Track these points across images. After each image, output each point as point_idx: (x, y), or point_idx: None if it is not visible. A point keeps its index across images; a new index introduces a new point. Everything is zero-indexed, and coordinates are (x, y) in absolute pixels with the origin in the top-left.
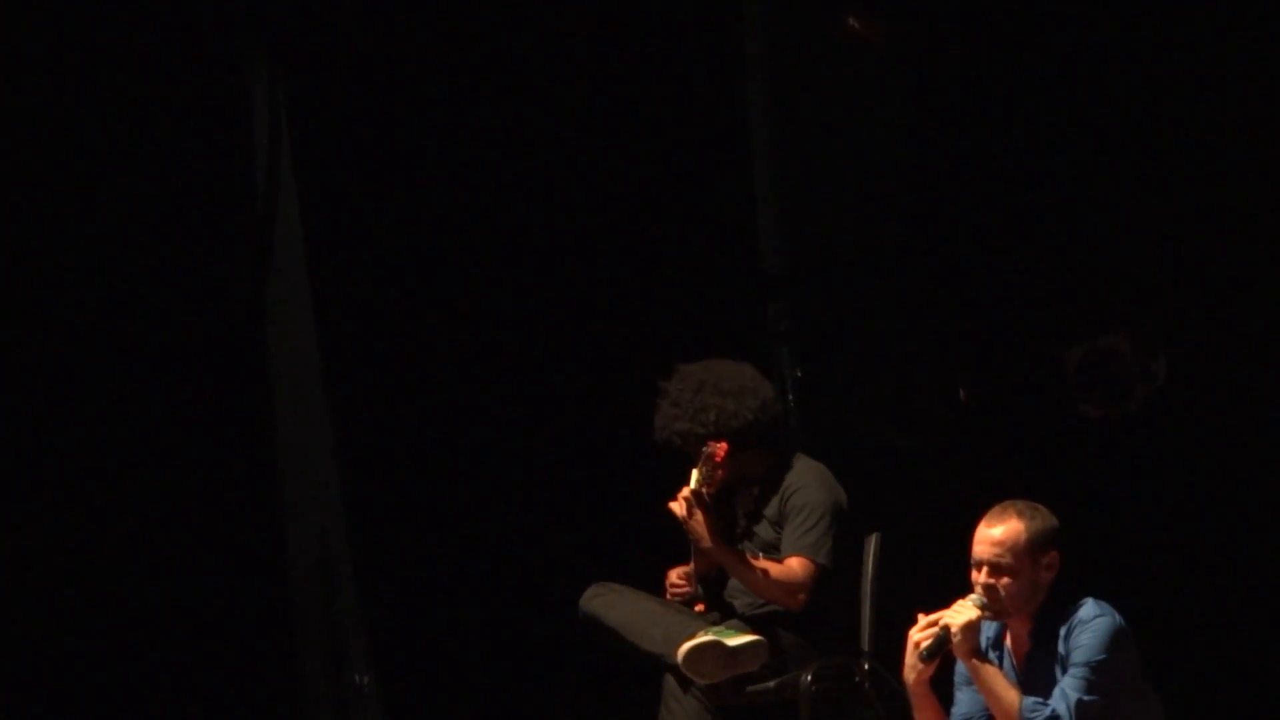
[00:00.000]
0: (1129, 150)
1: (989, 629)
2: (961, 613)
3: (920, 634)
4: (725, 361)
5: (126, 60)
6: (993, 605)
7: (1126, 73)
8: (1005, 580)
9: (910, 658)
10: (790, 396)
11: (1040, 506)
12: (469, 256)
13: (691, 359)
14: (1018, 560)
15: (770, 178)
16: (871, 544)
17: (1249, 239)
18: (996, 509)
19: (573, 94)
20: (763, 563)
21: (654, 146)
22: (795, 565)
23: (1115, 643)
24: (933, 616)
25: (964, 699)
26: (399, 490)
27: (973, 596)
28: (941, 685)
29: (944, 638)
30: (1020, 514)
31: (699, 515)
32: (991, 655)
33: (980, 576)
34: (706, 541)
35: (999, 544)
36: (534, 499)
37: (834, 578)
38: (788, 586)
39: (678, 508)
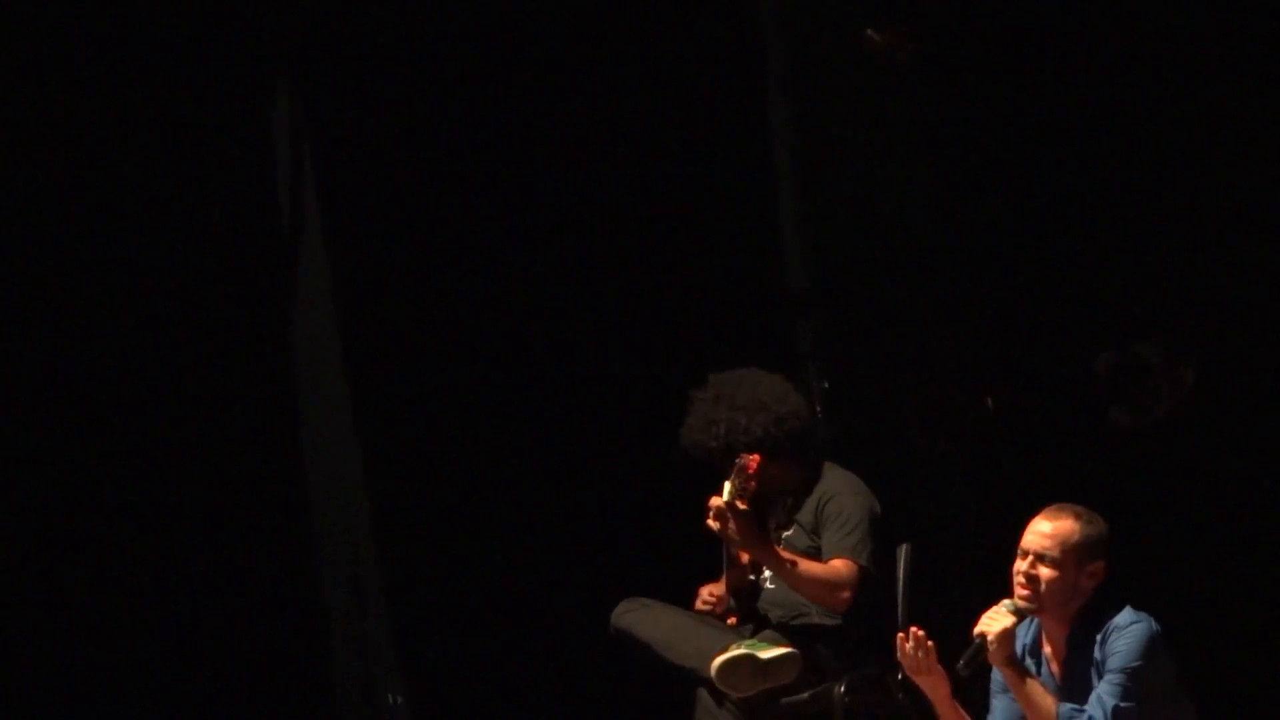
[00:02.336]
0: (1158, 158)
1: (1025, 635)
2: (997, 620)
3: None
4: (755, 373)
5: (147, 75)
6: (1028, 599)
7: (1156, 79)
8: (1046, 573)
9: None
10: (818, 409)
11: (1098, 516)
12: (497, 275)
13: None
14: (1063, 557)
15: (794, 192)
16: (902, 554)
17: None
18: (1054, 506)
19: (596, 111)
20: (807, 562)
21: (677, 164)
22: (839, 565)
23: (1151, 649)
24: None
25: (1000, 707)
26: (428, 510)
27: (1006, 603)
28: (973, 695)
29: (980, 646)
30: (1077, 516)
31: (733, 525)
32: (1028, 662)
33: (1023, 565)
34: (748, 547)
35: (1049, 536)
36: (563, 516)
37: (873, 582)
38: (832, 584)
39: (714, 524)
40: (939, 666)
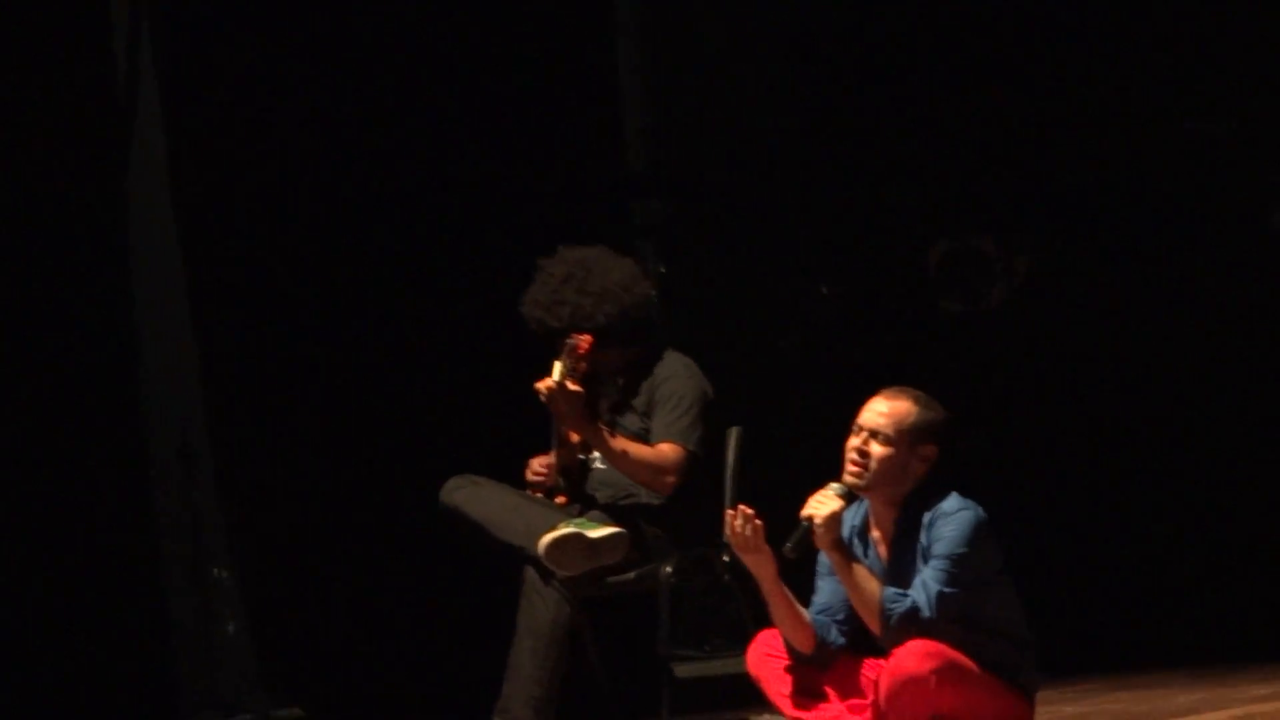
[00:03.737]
0: (994, 52)
1: (853, 518)
2: (824, 504)
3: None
4: (605, 254)
5: None
6: (858, 475)
7: None
8: (879, 450)
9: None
10: (653, 291)
11: (936, 403)
12: (330, 146)
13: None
14: (897, 435)
15: (637, 73)
16: (733, 437)
17: (1112, 140)
18: (895, 387)
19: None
20: (634, 444)
21: (519, 41)
22: (666, 449)
23: (977, 536)
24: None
25: (825, 588)
26: (259, 384)
27: (834, 486)
28: (799, 577)
29: (807, 529)
30: (916, 399)
31: (563, 405)
32: (856, 545)
33: (856, 441)
34: (577, 427)
35: (884, 415)
36: (394, 394)
37: (701, 467)
38: (658, 467)
39: (543, 388)
40: (766, 546)
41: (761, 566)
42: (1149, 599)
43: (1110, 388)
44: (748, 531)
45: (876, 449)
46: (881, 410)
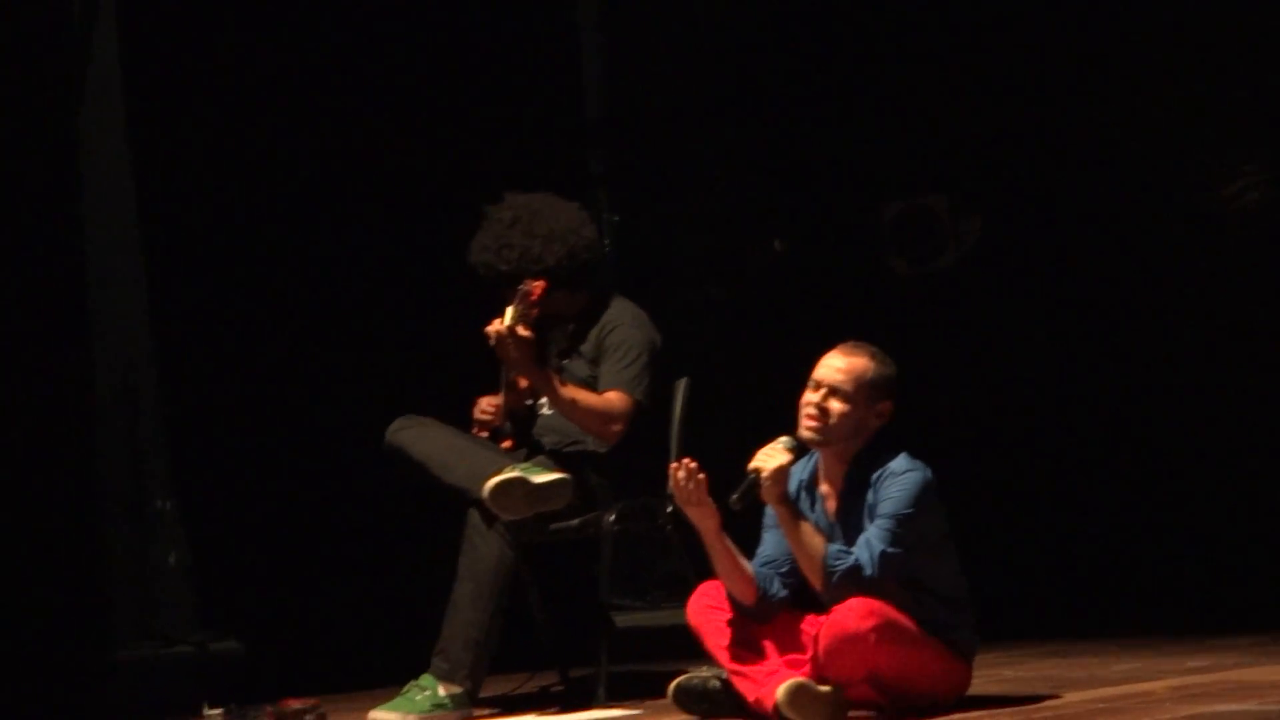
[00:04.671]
0: (952, 12)
1: (802, 471)
2: (773, 457)
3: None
4: (551, 199)
5: None
6: (816, 430)
7: None
8: (837, 406)
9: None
10: (607, 240)
11: (890, 358)
12: (287, 90)
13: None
14: (855, 391)
15: (596, 21)
16: (681, 388)
17: (1064, 104)
18: (850, 343)
19: None
20: (582, 392)
21: None
22: (613, 398)
23: (923, 497)
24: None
25: (770, 540)
26: (205, 317)
27: (783, 440)
28: (743, 529)
29: (754, 481)
30: (872, 355)
31: (513, 350)
32: (803, 498)
33: (814, 396)
34: (526, 373)
35: (842, 371)
36: (343, 333)
37: (648, 416)
38: (604, 415)
39: (493, 332)
40: (709, 499)
41: (704, 519)
42: (1089, 568)
43: (1059, 353)
44: (690, 485)
45: (835, 405)
46: (839, 366)
